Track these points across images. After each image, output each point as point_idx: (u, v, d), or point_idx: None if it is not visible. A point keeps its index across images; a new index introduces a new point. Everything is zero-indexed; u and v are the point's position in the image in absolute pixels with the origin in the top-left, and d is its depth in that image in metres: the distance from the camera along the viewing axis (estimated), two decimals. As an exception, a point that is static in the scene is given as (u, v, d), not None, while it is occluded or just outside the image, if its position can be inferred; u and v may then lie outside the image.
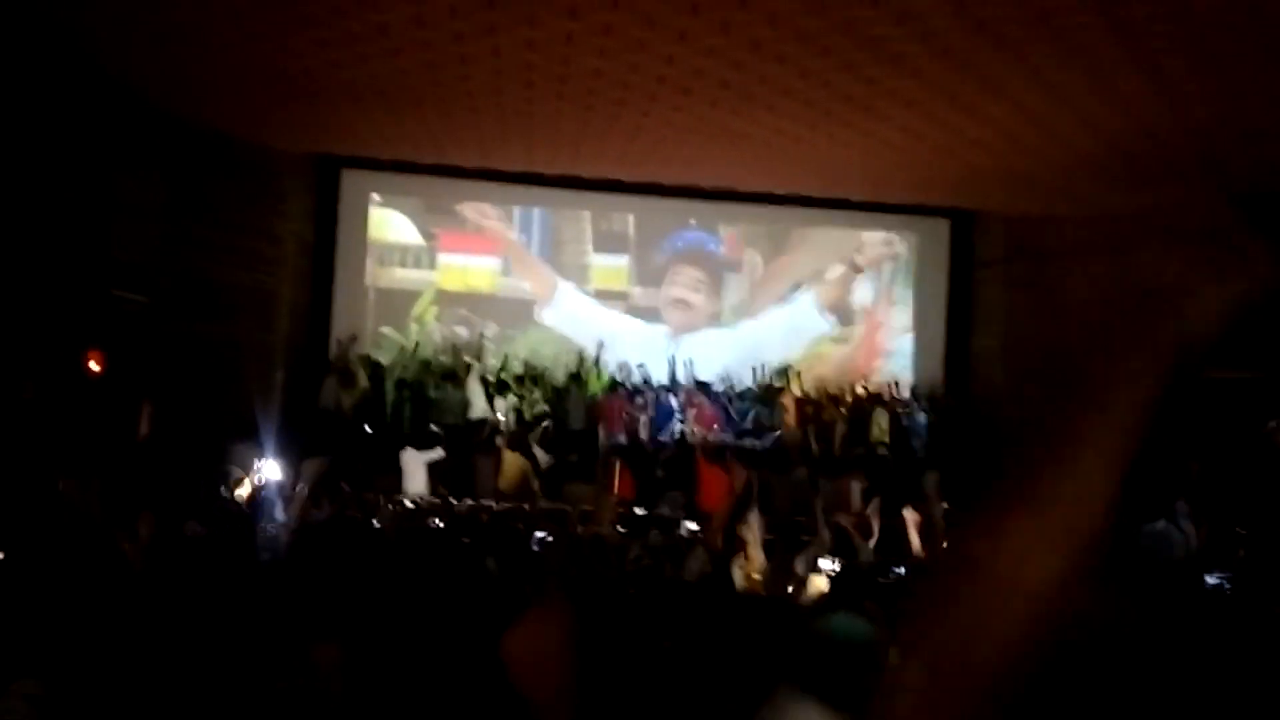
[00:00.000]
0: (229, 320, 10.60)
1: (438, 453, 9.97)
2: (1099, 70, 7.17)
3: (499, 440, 10.59)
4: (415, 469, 9.76)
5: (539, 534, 5.94)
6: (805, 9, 6.45)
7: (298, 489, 5.38)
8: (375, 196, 12.56)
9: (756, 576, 4.95)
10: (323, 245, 12.24)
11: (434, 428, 10.51)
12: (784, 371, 12.49)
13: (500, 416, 11.42)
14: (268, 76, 8.32)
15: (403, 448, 10.05)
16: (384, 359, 11.90)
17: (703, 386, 12.15)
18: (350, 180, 12.39)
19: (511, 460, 10.17)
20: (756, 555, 4.91)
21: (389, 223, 12.69)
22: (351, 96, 8.69)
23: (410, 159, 11.58)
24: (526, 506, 8.68)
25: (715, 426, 11.70)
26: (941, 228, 13.36)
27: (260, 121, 10.01)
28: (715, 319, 13.23)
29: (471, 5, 6.56)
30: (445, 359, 11.94)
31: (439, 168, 11.75)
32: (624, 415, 11.71)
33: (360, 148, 11.37)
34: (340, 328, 12.13)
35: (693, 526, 7.08)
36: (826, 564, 5.64)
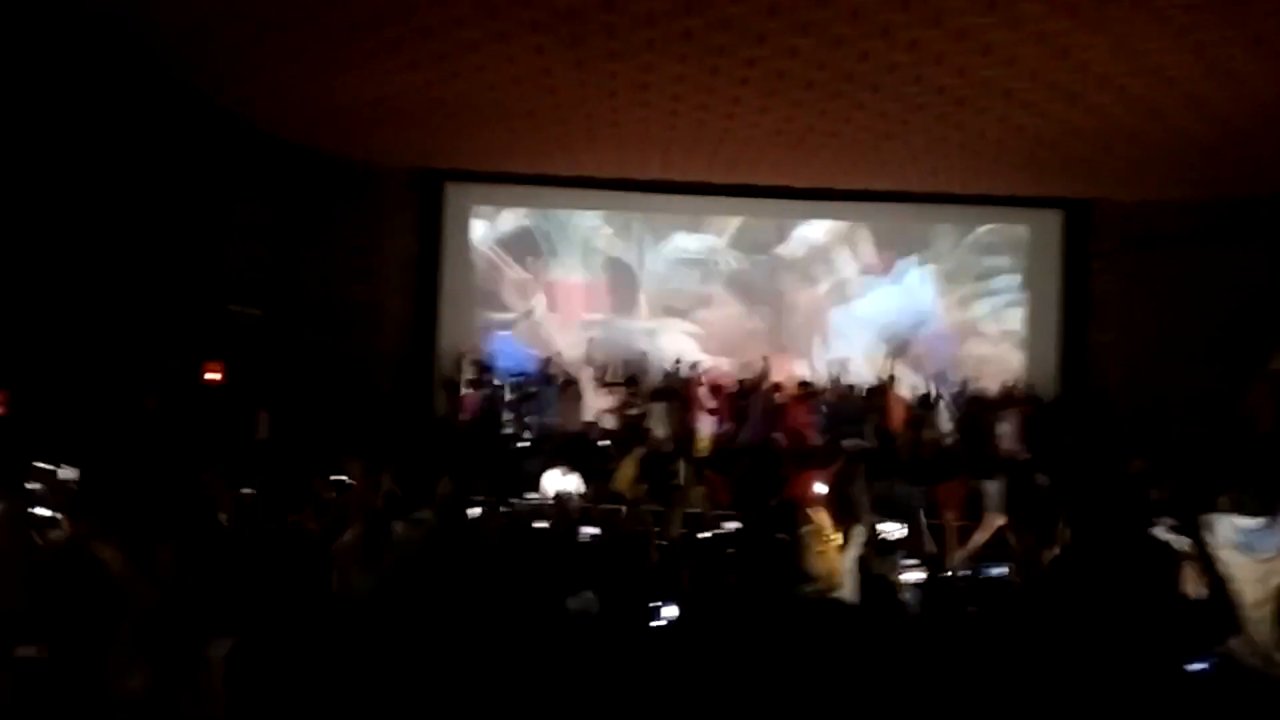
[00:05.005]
0: (338, 332, 11.03)
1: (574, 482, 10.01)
2: (1206, 50, 6.79)
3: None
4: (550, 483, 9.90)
5: (587, 530, 5.96)
6: (887, 3, 6.32)
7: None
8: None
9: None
10: (427, 258, 12.57)
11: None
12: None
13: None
14: (364, 99, 8.62)
15: (548, 466, 10.07)
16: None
17: (804, 385, 11.94)
18: (454, 192, 12.68)
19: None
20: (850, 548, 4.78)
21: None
22: (444, 113, 8.92)
23: (509, 170, 11.81)
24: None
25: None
26: (1055, 219, 12.85)
27: (361, 141, 10.37)
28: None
29: (551, 19, 6.67)
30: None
31: (540, 177, 11.91)
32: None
33: (460, 161, 11.64)
34: (447, 338, 12.44)
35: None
36: (912, 572, 5.54)
